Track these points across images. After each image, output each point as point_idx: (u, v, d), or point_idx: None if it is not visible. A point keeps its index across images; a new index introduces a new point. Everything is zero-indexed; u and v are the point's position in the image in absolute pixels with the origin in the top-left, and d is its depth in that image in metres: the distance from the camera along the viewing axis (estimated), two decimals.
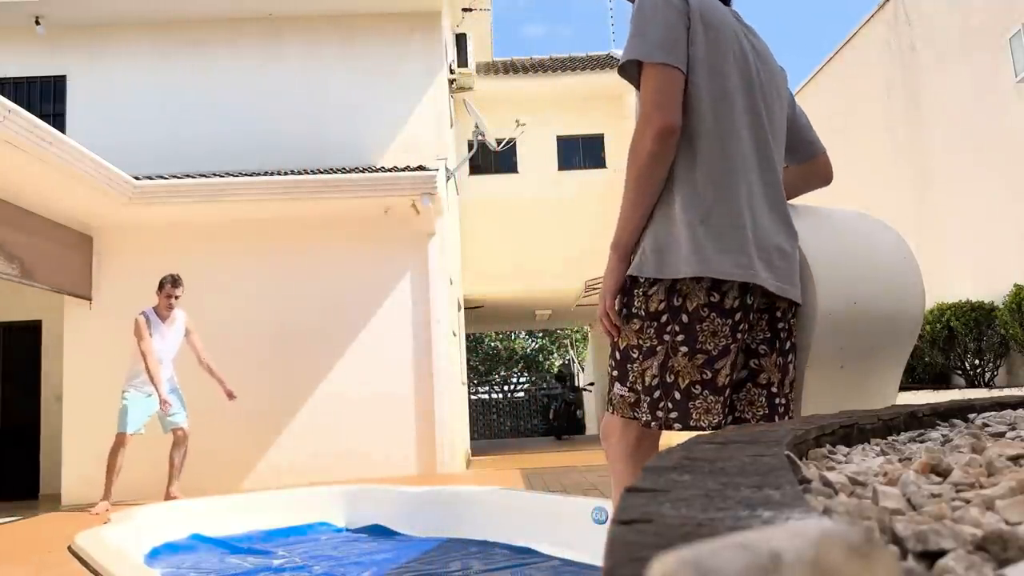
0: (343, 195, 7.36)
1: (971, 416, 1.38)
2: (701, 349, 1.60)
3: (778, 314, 1.73)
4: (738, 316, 1.62)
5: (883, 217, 2.50)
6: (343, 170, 7.87)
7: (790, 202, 1.95)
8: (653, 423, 1.64)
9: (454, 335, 9.09)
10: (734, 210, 1.63)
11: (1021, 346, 4.73)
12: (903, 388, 3.60)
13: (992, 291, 5.28)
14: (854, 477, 0.77)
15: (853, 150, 7.45)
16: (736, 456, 0.73)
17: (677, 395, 1.62)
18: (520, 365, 27.56)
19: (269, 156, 8.53)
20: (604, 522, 3.96)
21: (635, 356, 1.67)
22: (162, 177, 7.37)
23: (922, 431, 1.24)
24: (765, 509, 0.48)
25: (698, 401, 1.61)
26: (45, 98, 8.85)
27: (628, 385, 1.69)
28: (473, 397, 21.20)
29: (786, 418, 1.75)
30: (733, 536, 0.32)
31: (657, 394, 1.63)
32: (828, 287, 1.96)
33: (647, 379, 1.64)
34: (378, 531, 5.63)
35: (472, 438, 13.22)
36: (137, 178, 7.05)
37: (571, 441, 14.58)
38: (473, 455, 10.17)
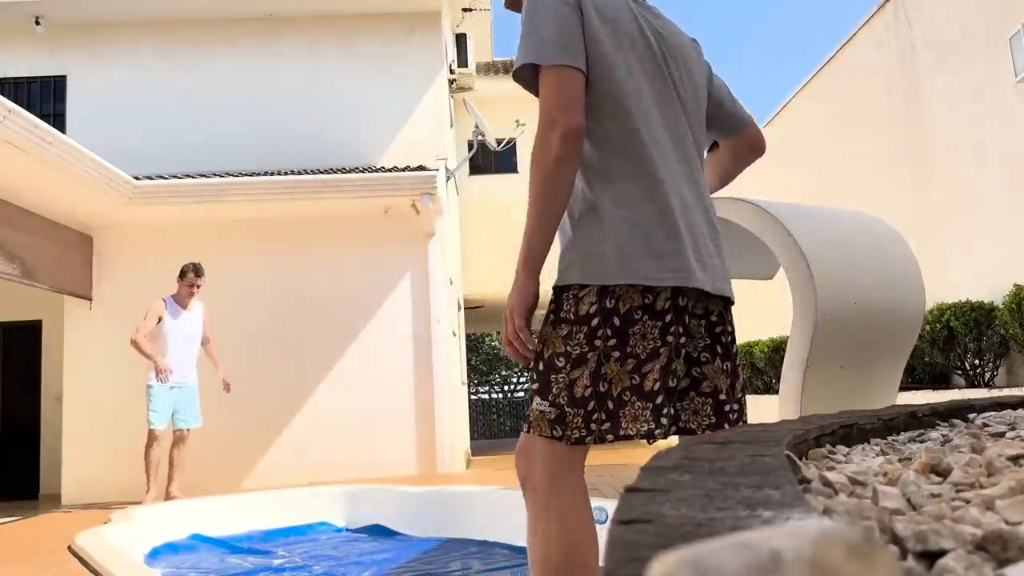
0: (343, 195, 7.36)
1: (971, 416, 1.38)
2: (631, 353, 1.52)
3: (714, 317, 1.66)
4: (668, 318, 1.54)
5: (883, 217, 2.50)
6: (343, 170, 7.87)
7: (791, 203, 1.95)
8: (588, 438, 1.52)
9: (454, 335, 9.09)
10: (663, 208, 1.56)
11: (1021, 346, 4.73)
12: (903, 388, 3.60)
13: (992, 291, 5.28)
14: (854, 477, 0.77)
15: (853, 150, 7.45)
16: (736, 456, 0.73)
17: (610, 404, 1.52)
18: (520, 365, 27.55)
19: (269, 156, 8.53)
20: (604, 522, 3.97)
21: (561, 365, 1.55)
22: (162, 177, 7.37)
23: (922, 431, 1.24)
24: (765, 509, 0.48)
25: (627, 409, 1.52)
26: (45, 98, 8.85)
27: (550, 399, 1.55)
28: (473, 397, 21.20)
29: (740, 424, 1.68)
30: (733, 536, 0.32)
31: (591, 406, 1.52)
32: (828, 287, 1.96)
33: (578, 390, 1.52)
34: (378, 531, 5.63)
35: (472, 438, 13.22)
36: (137, 178, 7.05)
37: None
38: (473, 455, 10.17)
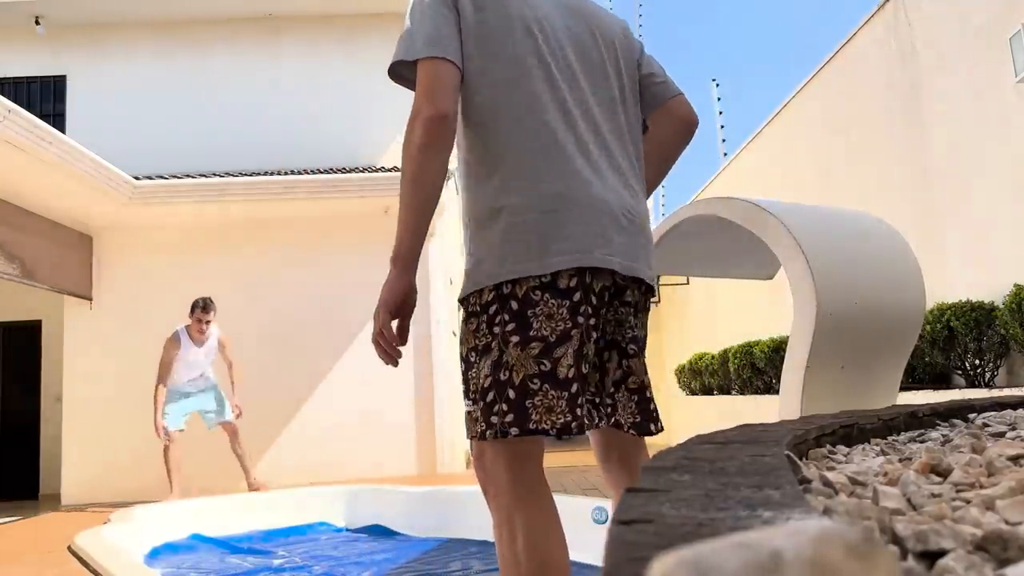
0: (343, 195, 7.36)
1: (971, 416, 1.38)
2: (536, 336, 1.43)
3: (637, 302, 1.61)
4: (577, 296, 1.46)
5: (883, 217, 2.50)
6: (343, 170, 7.87)
7: (791, 202, 1.94)
8: (488, 432, 1.45)
9: (454, 335, 9.09)
10: (557, 193, 1.48)
11: (1021, 346, 4.73)
12: (903, 388, 3.60)
13: (992, 291, 5.28)
14: (854, 477, 0.77)
15: (853, 150, 7.45)
16: (736, 456, 0.73)
17: (511, 393, 1.43)
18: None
19: (269, 156, 8.53)
20: (604, 522, 3.97)
21: (473, 359, 1.51)
22: (162, 177, 7.38)
23: (922, 431, 1.24)
24: (765, 509, 0.48)
25: (537, 399, 1.42)
26: (45, 98, 8.85)
27: (471, 396, 1.51)
28: None
29: (657, 422, 1.63)
30: (733, 536, 0.32)
31: (491, 396, 1.45)
32: (828, 287, 1.96)
33: (483, 380, 1.47)
34: (378, 531, 5.63)
35: None
36: (137, 178, 7.05)
37: (570, 441, 14.58)
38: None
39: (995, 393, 4.59)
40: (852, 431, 1.14)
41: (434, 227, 7.95)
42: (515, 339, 1.44)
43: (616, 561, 0.39)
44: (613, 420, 1.60)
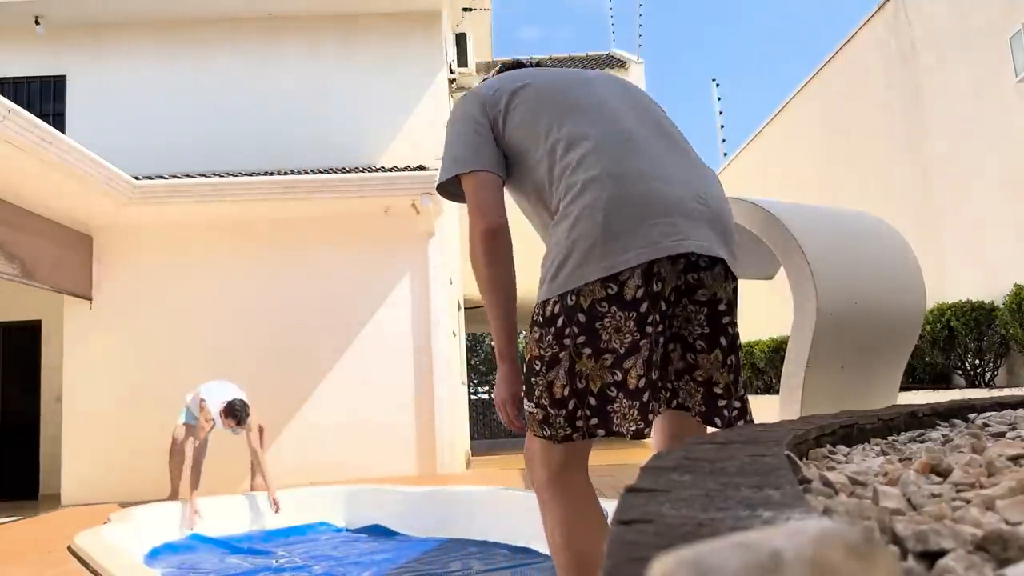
0: (343, 195, 7.36)
1: (971, 416, 1.38)
2: (607, 348, 1.50)
3: (722, 307, 1.61)
4: (644, 307, 1.49)
5: (883, 217, 2.50)
6: (343, 170, 7.87)
7: (791, 202, 1.95)
8: (575, 435, 1.54)
9: (454, 335, 9.08)
10: (613, 200, 1.52)
11: (1021, 346, 4.73)
12: (903, 388, 3.60)
13: (992, 291, 5.27)
14: (854, 477, 0.77)
15: (853, 150, 7.45)
16: (736, 456, 0.73)
17: (592, 400, 1.53)
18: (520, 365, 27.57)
19: (269, 156, 8.54)
20: None
21: (538, 368, 1.56)
22: (162, 177, 7.37)
23: (922, 431, 1.24)
24: (765, 509, 0.48)
25: (615, 404, 1.52)
26: (45, 98, 8.85)
27: (535, 401, 1.57)
28: (473, 397, 21.20)
29: (740, 423, 1.64)
30: (733, 536, 0.32)
31: (572, 404, 1.53)
32: (828, 286, 1.96)
33: (557, 391, 1.54)
34: (378, 531, 5.63)
35: (472, 438, 13.21)
36: (137, 178, 7.05)
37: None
38: (473, 455, 10.17)
39: (995, 393, 4.59)
40: (852, 431, 1.14)
41: (434, 227, 7.95)
42: (588, 351, 1.51)
43: (616, 561, 0.39)
44: (676, 403, 1.65)
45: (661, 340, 1.57)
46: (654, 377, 1.55)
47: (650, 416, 1.54)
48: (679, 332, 1.61)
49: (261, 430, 6.02)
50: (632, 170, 1.55)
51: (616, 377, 1.51)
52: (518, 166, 1.69)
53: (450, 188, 1.73)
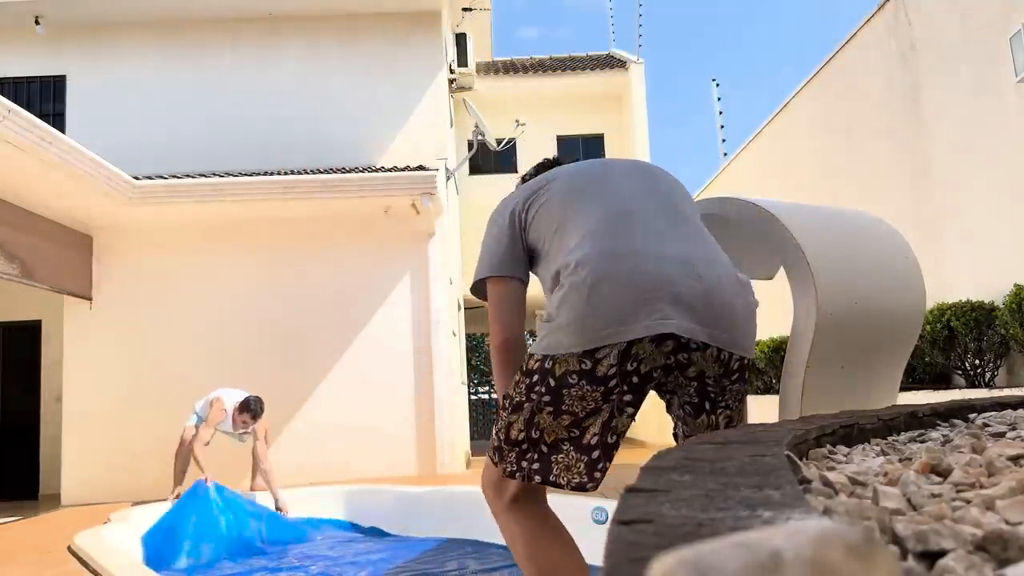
0: (343, 195, 7.36)
1: (971, 416, 1.38)
2: (567, 411, 1.62)
3: (709, 378, 1.64)
4: (613, 383, 1.59)
5: (883, 217, 2.50)
6: (343, 170, 7.87)
7: (791, 202, 1.95)
8: (518, 474, 1.69)
9: (454, 335, 9.08)
10: (608, 277, 1.59)
11: (1021, 346, 4.73)
12: (903, 388, 3.60)
13: (992, 291, 5.27)
14: (854, 477, 0.77)
15: (853, 150, 7.45)
16: (736, 456, 0.73)
17: (544, 448, 1.66)
18: None
19: (269, 156, 8.53)
20: (604, 522, 3.96)
21: (506, 406, 1.71)
22: (162, 177, 7.37)
23: (922, 431, 1.24)
24: (765, 509, 0.48)
25: (560, 456, 1.65)
26: (45, 98, 8.85)
27: (496, 431, 1.74)
28: (473, 397, 21.20)
29: None
30: (733, 536, 0.32)
31: (525, 446, 1.68)
32: (828, 286, 1.96)
33: (514, 433, 1.68)
34: (375, 531, 5.63)
35: (472, 438, 13.21)
36: (137, 178, 7.05)
37: None
38: (473, 455, 10.17)
39: (995, 393, 4.59)
40: (852, 431, 1.14)
41: (434, 227, 7.95)
42: (549, 409, 1.63)
43: (616, 561, 0.39)
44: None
45: (629, 411, 1.66)
46: (610, 440, 1.66)
47: (597, 473, 1.65)
48: (675, 392, 1.70)
49: (265, 432, 6.03)
50: (625, 249, 1.61)
51: (573, 433, 1.64)
52: (537, 257, 1.85)
53: (482, 289, 1.92)
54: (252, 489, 6.16)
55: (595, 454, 1.64)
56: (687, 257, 1.63)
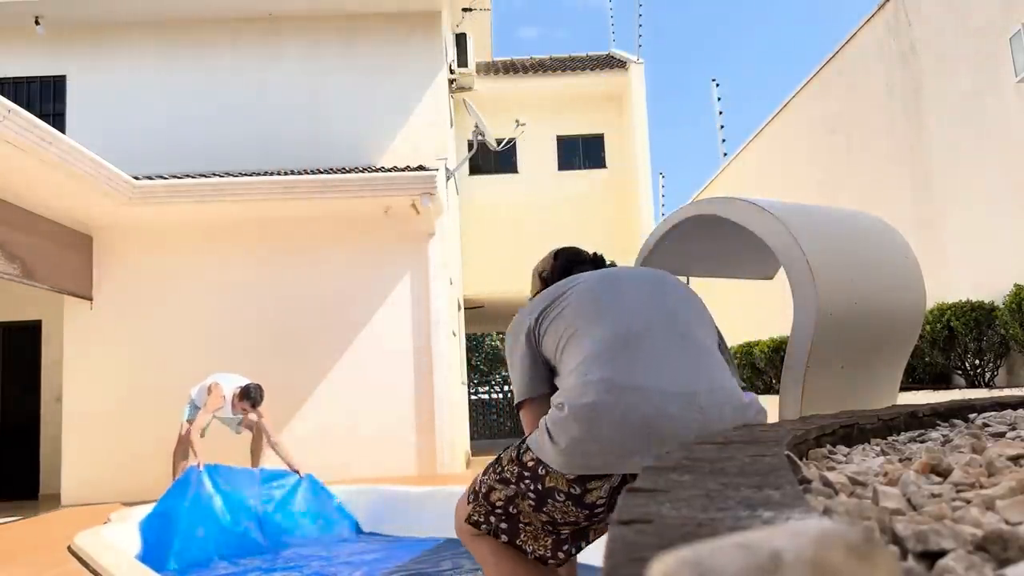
0: (343, 195, 7.36)
1: (971, 416, 1.38)
2: (548, 514, 1.72)
3: None
4: (599, 509, 1.68)
5: (883, 217, 2.50)
6: (343, 170, 7.87)
7: (791, 202, 1.94)
8: (483, 526, 1.82)
9: (454, 335, 9.09)
10: (594, 399, 1.61)
11: (1021, 346, 4.73)
12: (903, 388, 3.60)
13: (992, 291, 5.27)
14: (854, 477, 0.77)
15: (853, 150, 7.45)
16: (736, 456, 0.73)
17: (519, 521, 1.79)
18: None
19: (269, 156, 8.54)
20: None
21: (496, 469, 1.80)
22: (162, 177, 7.37)
23: (922, 431, 1.24)
24: (765, 509, 0.48)
25: (530, 528, 1.77)
26: (45, 98, 8.85)
27: (482, 478, 1.84)
28: (473, 397, 21.19)
29: None
30: (733, 536, 0.32)
31: (498, 510, 1.80)
32: (828, 286, 1.96)
33: (494, 497, 1.79)
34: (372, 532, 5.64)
35: (472, 438, 13.22)
36: (137, 178, 7.05)
37: None
38: (473, 455, 10.17)
39: (995, 393, 4.59)
40: (852, 431, 1.14)
41: (434, 227, 7.95)
42: (530, 503, 1.73)
43: (616, 561, 0.39)
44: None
45: (608, 519, 1.75)
46: (580, 540, 1.78)
47: (560, 553, 1.76)
48: None
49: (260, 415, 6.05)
50: (627, 382, 1.62)
51: (548, 527, 1.75)
52: (551, 368, 1.91)
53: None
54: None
55: (563, 533, 1.76)
56: (690, 388, 1.63)
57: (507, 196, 12.73)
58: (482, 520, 1.81)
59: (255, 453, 6.26)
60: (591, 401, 1.59)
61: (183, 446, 5.93)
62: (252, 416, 5.99)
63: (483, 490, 1.81)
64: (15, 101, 5.46)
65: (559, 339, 1.79)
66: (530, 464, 1.70)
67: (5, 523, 5.69)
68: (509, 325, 1.98)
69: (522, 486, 1.72)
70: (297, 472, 5.74)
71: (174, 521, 4.79)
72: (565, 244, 2.28)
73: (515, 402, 1.96)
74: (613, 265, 2.11)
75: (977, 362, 5.18)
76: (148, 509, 5.37)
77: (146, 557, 4.49)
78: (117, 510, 5.61)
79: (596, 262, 2.10)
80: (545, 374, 1.89)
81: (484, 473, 1.84)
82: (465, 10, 11.28)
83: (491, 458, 1.90)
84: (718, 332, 1.91)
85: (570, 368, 1.70)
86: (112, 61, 8.92)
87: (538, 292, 2.05)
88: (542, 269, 2.14)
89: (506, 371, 27.44)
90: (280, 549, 5.11)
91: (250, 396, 5.76)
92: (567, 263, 2.09)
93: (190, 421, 5.98)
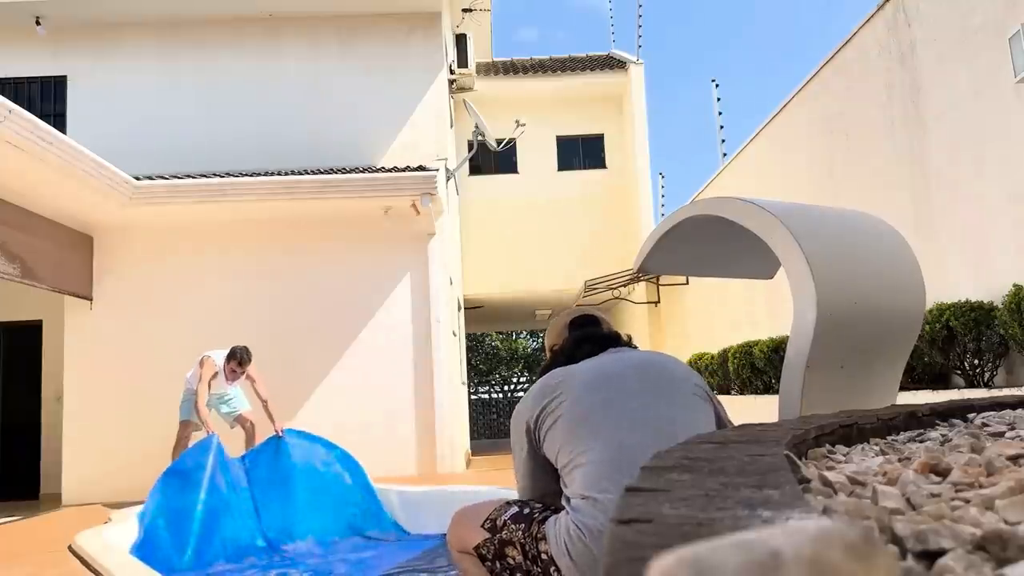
0: (343, 195, 7.36)
1: (970, 416, 1.39)
2: None
3: None
4: None
5: (882, 217, 2.50)
6: (343, 170, 7.87)
7: (791, 202, 1.94)
8: (487, 563, 1.90)
9: (454, 335, 9.09)
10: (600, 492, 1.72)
11: (1020, 346, 4.73)
12: (902, 388, 3.60)
13: (992, 291, 5.28)
14: (854, 477, 0.78)
15: (853, 150, 7.45)
16: (736, 456, 0.73)
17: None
18: (520, 365, 27.59)
19: (269, 156, 8.53)
20: None
21: (520, 525, 1.86)
22: (162, 177, 7.37)
23: (921, 431, 1.24)
24: (765, 509, 0.48)
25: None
26: (46, 98, 8.85)
27: (504, 517, 1.91)
28: (473, 397, 21.18)
29: None
30: (733, 536, 0.32)
31: (509, 565, 1.86)
32: (828, 286, 1.96)
33: (508, 553, 1.86)
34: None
35: (472, 438, 13.22)
36: (137, 178, 7.05)
37: None
38: (473, 455, 10.17)
39: (994, 393, 4.59)
40: (851, 431, 1.14)
41: (433, 227, 7.95)
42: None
43: (616, 561, 0.39)
44: None
45: None
46: None
47: None
48: None
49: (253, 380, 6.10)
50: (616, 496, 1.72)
51: None
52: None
53: None
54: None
55: None
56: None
57: (507, 196, 12.73)
58: (489, 558, 1.88)
59: (249, 442, 6.27)
60: (582, 528, 1.69)
61: (182, 444, 5.95)
62: (245, 379, 6.06)
63: (503, 534, 1.87)
64: (16, 101, 5.46)
65: (556, 452, 1.85)
66: (543, 557, 1.78)
67: (6, 523, 5.69)
68: (513, 414, 2.04)
69: (529, 564, 1.81)
70: (278, 432, 5.82)
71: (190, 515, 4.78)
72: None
73: (518, 496, 2.05)
74: (627, 343, 2.11)
75: (976, 362, 5.18)
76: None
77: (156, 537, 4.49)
78: (117, 510, 5.61)
79: (603, 342, 2.08)
80: (548, 474, 1.95)
81: (509, 513, 1.89)
82: (465, 10, 11.28)
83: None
84: (717, 414, 1.95)
85: (571, 480, 1.79)
86: (113, 61, 8.92)
87: (546, 365, 2.10)
88: (553, 343, 2.19)
89: (506, 371, 27.50)
90: (282, 543, 5.11)
91: (236, 355, 5.88)
92: (575, 342, 2.11)
93: (185, 423, 6.00)
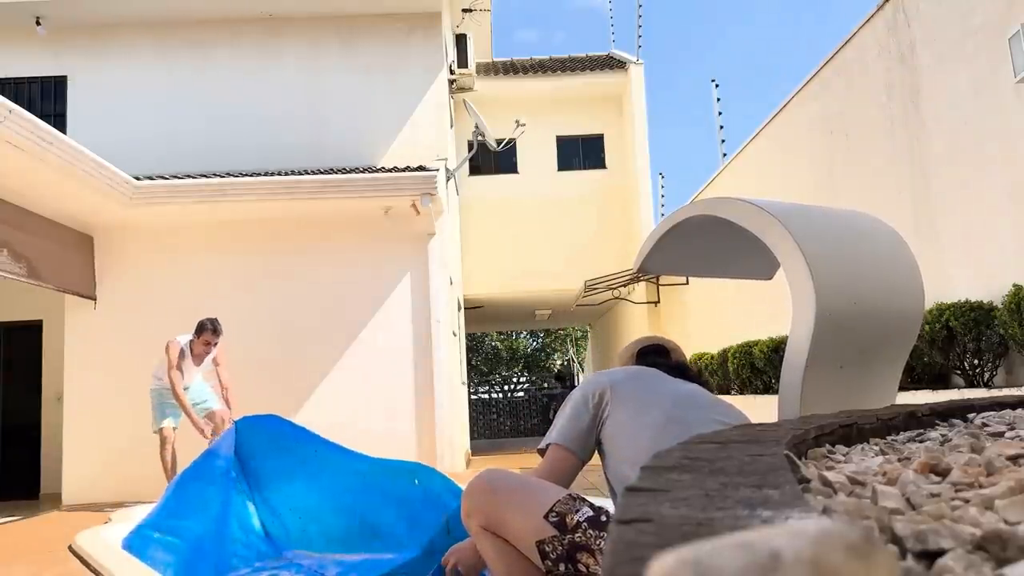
0: (343, 195, 7.36)
1: (970, 416, 1.39)
2: None
3: None
4: None
5: (883, 217, 2.50)
6: (343, 170, 7.87)
7: (791, 203, 1.95)
8: (547, 561, 1.77)
9: (454, 335, 9.09)
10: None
11: (1020, 346, 4.73)
12: (902, 388, 3.60)
13: (991, 291, 5.27)
14: (853, 477, 0.78)
15: (852, 150, 7.45)
16: (736, 456, 0.73)
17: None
18: (521, 365, 27.59)
19: (269, 156, 8.53)
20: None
21: (598, 530, 1.77)
22: (163, 177, 7.37)
23: (921, 431, 1.24)
24: (765, 509, 0.48)
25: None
26: (46, 98, 8.85)
27: (577, 517, 1.80)
28: (473, 397, 21.18)
29: None
30: (733, 536, 0.32)
31: (578, 568, 1.80)
32: (827, 287, 1.96)
33: (581, 559, 1.75)
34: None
35: (472, 438, 13.21)
36: (138, 178, 7.05)
37: None
38: (473, 454, 10.17)
39: (994, 393, 4.59)
40: (851, 431, 1.14)
41: (433, 227, 7.95)
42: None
43: (616, 561, 0.39)
44: None
45: None
46: None
47: None
48: None
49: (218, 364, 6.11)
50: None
51: None
52: (607, 449, 2.00)
53: (544, 449, 2.07)
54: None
55: None
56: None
57: (507, 196, 12.73)
58: (552, 557, 1.72)
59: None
60: None
61: (170, 449, 5.94)
62: (212, 363, 6.04)
63: (576, 537, 1.73)
64: (16, 102, 5.46)
65: (617, 434, 1.90)
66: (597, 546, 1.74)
67: (6, 523, 5.69)
68: (593, 375, 2.07)
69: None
70: (224, 420, 5.82)
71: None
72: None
73: (543, 443, 2.00)
74: (695, 376, 2.16)
75: (976, 362, 5.18)
76: (148, 509, 5.36)
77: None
78: (118, 510, 5.61)
79: (671, 374, 2.11)
80: (591, 445, 1.96)
81: (584, 514, 1.76)
82: (465, 11, 11.28)
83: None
84: None
85: (620, 470, 1.87)
86: (113, 62, 8.92)
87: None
88: (633, 348, 2.31)
89: (506, 371, 27.44)
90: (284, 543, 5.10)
91: (205, 327, 5.90)
92: (649, 358, 2.22)
93: (170, 428, 5.97)
